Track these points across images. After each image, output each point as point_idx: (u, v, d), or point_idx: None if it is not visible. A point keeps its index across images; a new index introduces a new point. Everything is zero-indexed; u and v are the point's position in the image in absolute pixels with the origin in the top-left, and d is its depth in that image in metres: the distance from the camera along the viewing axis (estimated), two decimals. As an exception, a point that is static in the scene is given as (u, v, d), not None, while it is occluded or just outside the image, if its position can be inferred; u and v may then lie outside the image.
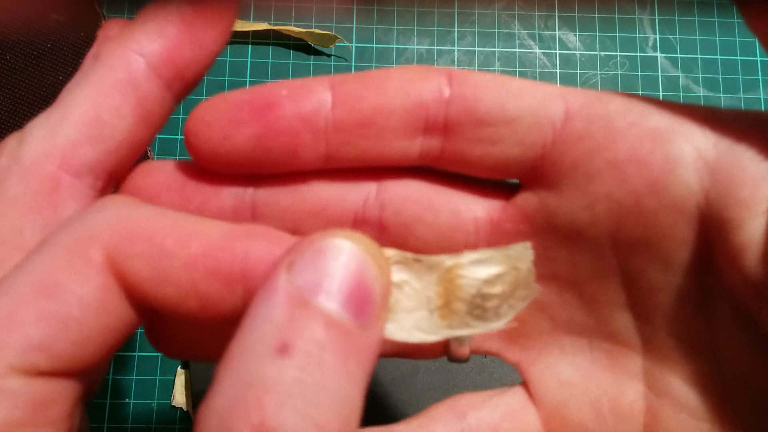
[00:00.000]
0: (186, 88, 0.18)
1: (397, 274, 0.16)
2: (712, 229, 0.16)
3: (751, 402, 0.17)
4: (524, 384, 0.20)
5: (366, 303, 0.14)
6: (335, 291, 0.13)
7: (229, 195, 0.18)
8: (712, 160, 0.16)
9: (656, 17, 0.43)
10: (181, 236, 0.15)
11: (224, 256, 0.15)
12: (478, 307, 0.16)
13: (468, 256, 0.16)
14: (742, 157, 0.16)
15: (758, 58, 0.43)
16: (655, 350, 0.19)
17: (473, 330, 0.16)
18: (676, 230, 0.17)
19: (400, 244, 0.18)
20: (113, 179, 0.17)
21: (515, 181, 0.19)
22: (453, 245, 0.18)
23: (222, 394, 0.13)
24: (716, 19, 0.43)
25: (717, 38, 0.43)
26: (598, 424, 0.19)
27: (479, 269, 0.16)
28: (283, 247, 0.15)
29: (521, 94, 0.18)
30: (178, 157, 0.39)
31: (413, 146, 0.18)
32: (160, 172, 0.18)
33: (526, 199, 0.18)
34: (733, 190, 0.16)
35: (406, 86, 0.18)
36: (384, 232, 0.18)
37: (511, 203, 0.19)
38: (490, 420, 0.19)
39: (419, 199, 0.19)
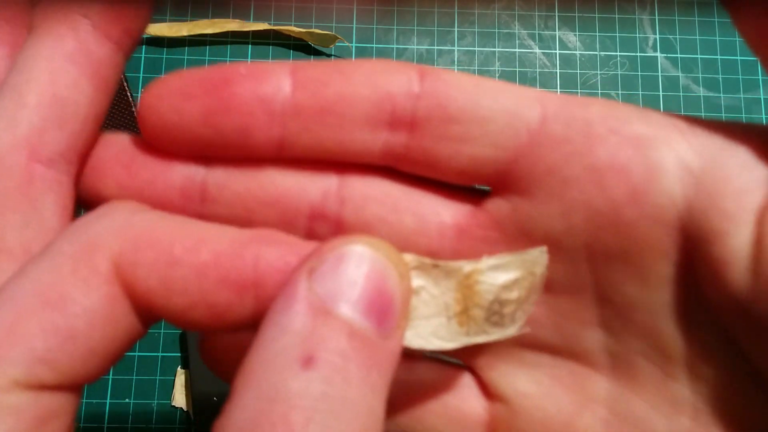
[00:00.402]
0: (134, 44, 0.17)
1: (415, 280, 0.15)
2: (694, 241, 0.16)
3: (725, 429, 0.17)
4: (479, 380, 0.19)
5: (387, 312, 0.13)
6: (357, 299, 0.13)
7: (179, 174, 0.17)
8: (696, 169, 0.16)
9: (656, 17, 0.43)
10: (189, 243, 0.14)
11: (235, 264, 0.14)
12: (496, 313, 0.16)
13: (486, 262, 0.16)
14: (727, 166, 0.15)
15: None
16: (623, 373, 0.18)
17: (490, 337, 0.16)
18: (656, 242, 0.16)
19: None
20: (85, 160, 0.17)
21: (486, 188, 0.18)
22: (415, 249, 0.18)
23: (243, 409, 0.12)
24: (716, 19, 0.43)
25: (717, 38, 0.43)
26: None
27: (497, 275, 0.16)
28: (295, 252, 0.14)
29: (496, 94, 0.17)
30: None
31: (376, 141, 0.17)
32: (113, 145, 0.17)
33: (498, 205, 0.18)
34: (717, 200, 0.15)
35: (374, 77, 0.17)
36: (341, 229, 0.18)
37: (481, 209, 0.18)
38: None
39: (383, 198, 0.18)
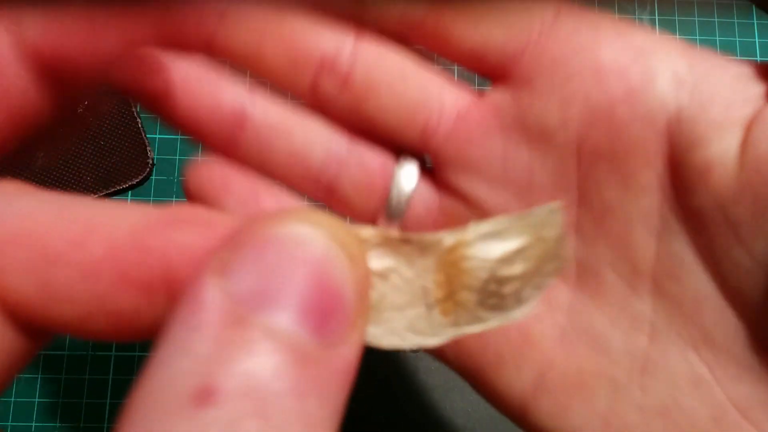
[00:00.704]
0: (68, 95, 0.14)
1: (380, 260, 0.12)
2: (680, 147, 0.17)
3: (680, 351, 0.17)
4: None
5: (332, 311, 0.10)
6: (289, 300, 0.10)
7: None
8: (689, 81, 0.17)
9: (656, 17, 0.43)
10: (74, 234, 0.11)
11: (137, 256, 0.11)
12: (494, 294, 0.13)
13: (475, 230, 0.13)
14: (717, 83, 0.17)
15: (758, 58, 0.43)
16: (588, 284, 0.19)
17: (488, 324, 0.13)
18: (643, 145, 0.17)
19: (355, 106, 0.18)
20: None
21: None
22: (409, 124, 0.19)
23: None
24: (716, 19, 0.43)
25: (717, 38, 0.43)
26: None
27: (492, 246, 0.13)
28: (219, 236, 0.11)
29: None
30: (177, 158, 0.39)
31: (395, 7, 0.18)
32: None
33: (499, 95, 0.19)
34: (706, 109, 0.16)
35: None
36: (346, 86, 0.18)
37: (482, 98, 0.19)
38: None
39: (394, 66, 0.19)
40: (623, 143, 0.17)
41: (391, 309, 0.12)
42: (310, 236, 0.10)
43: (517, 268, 0.13)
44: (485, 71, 0.19)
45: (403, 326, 0.12)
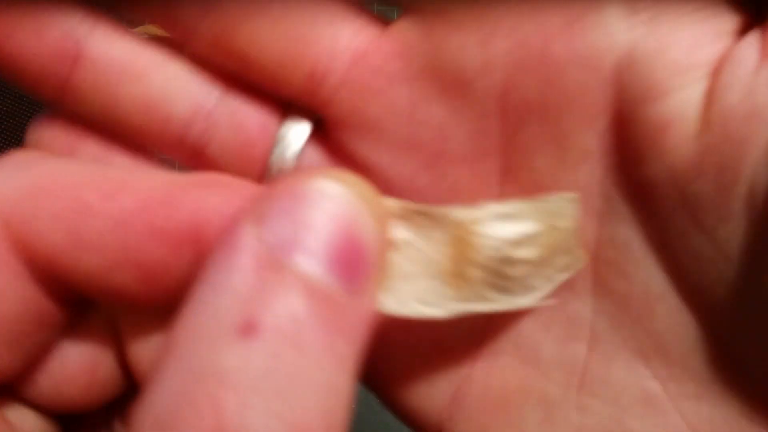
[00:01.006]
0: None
1: (396, 231, 0.12)
2: (629, 100, 0.13)
3: (627, 361, 0.14)
4: None
5: (358, 263, 0.11)
6: (318, 248, 0.10)
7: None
8: (644, 9, 0.13)
9: None
10: (106, 187, 0.12)
11: (167, 211, 0.12)
12: (500, 275, 0.13)
13: (488, 209, 0.13)
14: (682, 14, 0.13)
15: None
16: None
17: (494, 306, 0.13)
18: (584, 94, 0.13)
19: (221, 40, 0.15)
20: None
21: None
22: (291, 68, 0.15)
23: (163, 392, 0.10)
24: None
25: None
26: None
27: (503, 226, 0.13)
28: (246, 198, 0.11)
29: None
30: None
31: None
32: None
33: (406, 29, 0.15)
34: (665, 47, 0.13)
35: None
36: (212, 7, 0.14)
37: (386, 34, 0.15)
38: None
39: None
40: (558, 94, 0.13)
41: (401, 278, 0.12)
42: (340, 193, 0.11)
43: (526, 253, 0.13)
44: None
45: (412, 296, 0.12)
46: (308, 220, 0.10)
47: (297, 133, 0.16)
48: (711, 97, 0.12)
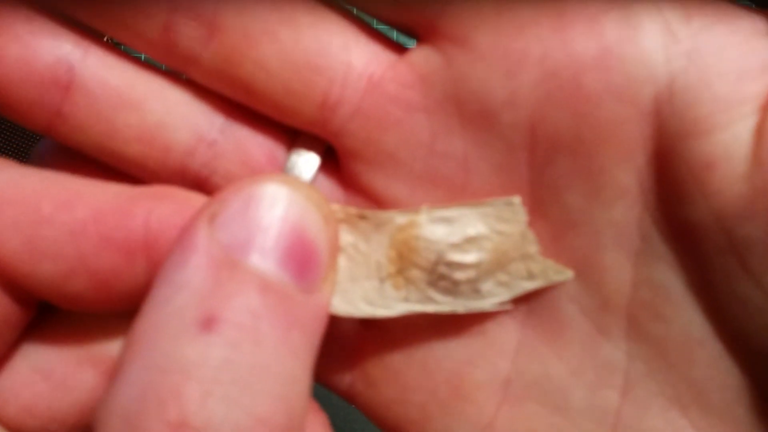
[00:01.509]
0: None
1: (341, 235, 0.13)
2: (670, 135, 0.12)
3: (664, 411, 0.13)
4: None
5: (310, 261, 0.11)
6: (271, 247, 0.11)
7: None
8: (685, 39, 0.12)
9: None
10: (61, 197, 0.12)
11: (121, 221, 0.12)
12: (444, 278, 0.13)
13: (427, 213, 0.13)
14: (725, 42, 0.12)
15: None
16: (541, 319, 0.14)
17: (440, 307, 0.13)
18: (621, 128, 0.12)
19: (227, 68, 0.14)
20: None
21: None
22: (303, 94, 0.14)
23: (127, 386, 0.10)
24: None
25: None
26: None
27: (442, 229, 0.13)
28: (195, 208, 0.12)
29: None
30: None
31: None
32: None
33: (426, 56, 0.14)
34: (709, 79, 0.12)
35: None
36: (212, 36, 0.13)
37: (404, 59, 0.14)
38: None
39: (277, 9, 0.13)
40: (591, 127, 0.12)
41: (348, 280, 0.13)
42: (289, 194, 0.11)
43: (470, 257, 0.13)
44: (405, 22, 0.14)
45: (358, 297, 0.13)
46: (260, 220, 0.11)
47: (307, 162, 0.15)
48: (761, 134, 0.11)
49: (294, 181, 0.12)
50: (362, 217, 0.13)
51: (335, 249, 0.12)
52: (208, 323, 0.10)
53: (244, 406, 0.10)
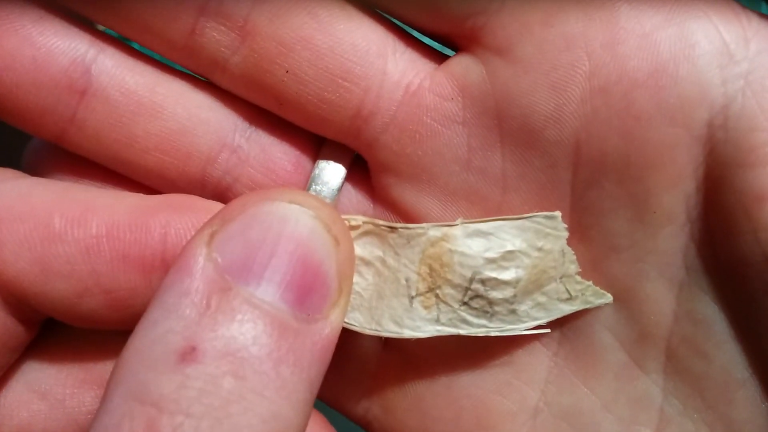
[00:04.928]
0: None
1: (368, 248, 0.12)
2: (722, 163, 0.11)
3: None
4: None
5: (313, 288, 0.11)
6: (270, 272, 0.10)
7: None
8: (743, 60, 0.11)
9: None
10: (74, 212, 0.11)
11: (136, 236, 0.12)
12: (479, 296, 0.12)
13: (463, 226, 0.12)
14: None
15: None
16: (575, 349, 0.13)
17: (473, 330, 0.12)
18: (672, 152, 0.12)
19: (257, 74, 0.13)
20: None
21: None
22: (336, 103, 0.13)
23: (107, 415, 0.09)
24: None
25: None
26: None
27: (478, 243, 0.12)
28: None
29: None
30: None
31: None
32: None
33: (465, 66, 0.13)
34: (766, 104, 0.11)
35: None
36: (244, 40, 0.13)
37: (442, 69, 0.13)
38: None
39: (314, 14, 0.13)
40: (641, 149, 0.12)
41: (375, 297, 0.12)
42: (296, 214, 0.11)
43: (508, 274, 0.12)
44: (445, 31, 0.13)
45: (386, 315, 0.12)
46: (260, 242, 0.10)
47: (333, 172, 0.14)
48: None
49: (303, 199, 0.11)
50: (392, 230, 0.13)
51: (347, 272, 0.11)
52: (188, 354, 0.10)
53: None
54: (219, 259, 0.10)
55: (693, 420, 0.12)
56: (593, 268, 0.13)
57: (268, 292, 0.10)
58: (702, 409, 0.12)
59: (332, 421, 0.14)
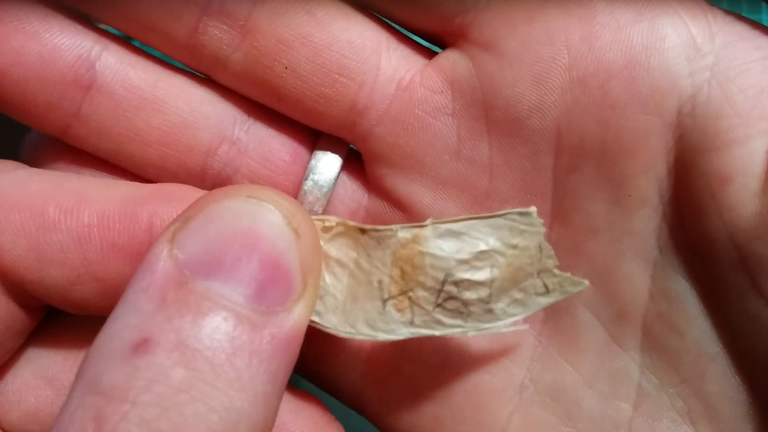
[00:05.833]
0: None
1: (343, 250, 0.12)
2: (691, 148, 0.12)
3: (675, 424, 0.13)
4: None
5: (273, 282, 0.11)
6: (229, 267, 0.10)
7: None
8: (709, 53, 0.12)
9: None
10: (67, 202, 0.12)
11: (125, 225, 0.12)
12: (452, 298, 0.12)
13: (433, 227, 0.12)
14: (747, 58, 0.12)
15: None
16: (557, 328, 0.14)
17: (448, 330, 0.12)
18: (645, 138, 0.13)
19: (256, 70, 0.14)
20: None
21: None
22: (332, 97, 0.14)
23: (66, 406, 0.10)
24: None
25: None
26: None
27: (451, 244, 0.12)
28: None
29: None
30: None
31: None
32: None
33: (453, 61, 0.14)
34: (730, 94, 0.12)
35: None
36: (244, 37, 0.13)
37: (432, 64, 0.14)
38: None
39: (310, 12, 0.13)
40: (617, 136, 0.13)
41: (349, 299, 0.12)
42: (254, 208, 0.11)
43: (482, 275, 0.12)
44: (433, 29, 0.14)
45: (360, 318, 0.12)
46: (217, 237, 0.10)
47: (329, 163, 0.15)
48: None
49: (262, 193, 0.11)
50: (363, 232, 0.12)
51: (312, 265, 0.11)
52: (140, 346, 0.10)
53: (160, 430, 0.09)
54: (180, 256, 0.10)
55: (668, 394, 0.13)
56: (573, 250, 0.14)
57: (226, 286, 0.10)
58: (677, 383, 0.13)
59: (328, 405, 0.14)
